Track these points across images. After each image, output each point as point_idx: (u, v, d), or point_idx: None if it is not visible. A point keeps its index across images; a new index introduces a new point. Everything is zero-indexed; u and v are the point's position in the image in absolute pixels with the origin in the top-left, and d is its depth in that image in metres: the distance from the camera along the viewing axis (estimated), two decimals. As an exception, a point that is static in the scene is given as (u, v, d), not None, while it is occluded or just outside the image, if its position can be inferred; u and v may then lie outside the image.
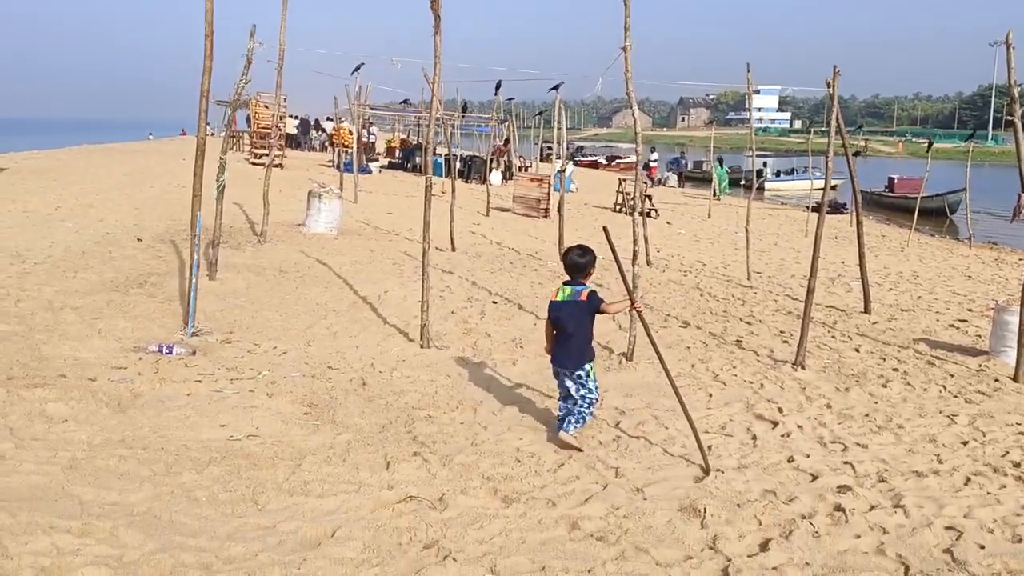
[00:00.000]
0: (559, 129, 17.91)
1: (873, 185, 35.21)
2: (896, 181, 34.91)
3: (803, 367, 7.96)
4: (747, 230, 14.19)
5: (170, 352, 7.02)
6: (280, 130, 27.30)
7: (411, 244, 14.60)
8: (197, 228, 7.84)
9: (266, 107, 30.06)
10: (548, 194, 21.54)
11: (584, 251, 5.76)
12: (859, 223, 11.28)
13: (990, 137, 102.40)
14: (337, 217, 15.16)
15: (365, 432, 5.73)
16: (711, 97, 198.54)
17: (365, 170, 28.08)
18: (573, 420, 5.70)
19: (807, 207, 26.94)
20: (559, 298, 5.69)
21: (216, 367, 6.87)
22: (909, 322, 10.74)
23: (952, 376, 8.09)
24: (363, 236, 15.34)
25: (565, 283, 5.74)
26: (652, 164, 39.81)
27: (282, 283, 10.53)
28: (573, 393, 5.70)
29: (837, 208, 31.65)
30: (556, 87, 18.59)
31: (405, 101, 37.40)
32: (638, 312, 5.92)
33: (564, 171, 14.51)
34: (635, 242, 7.94)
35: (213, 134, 44.12)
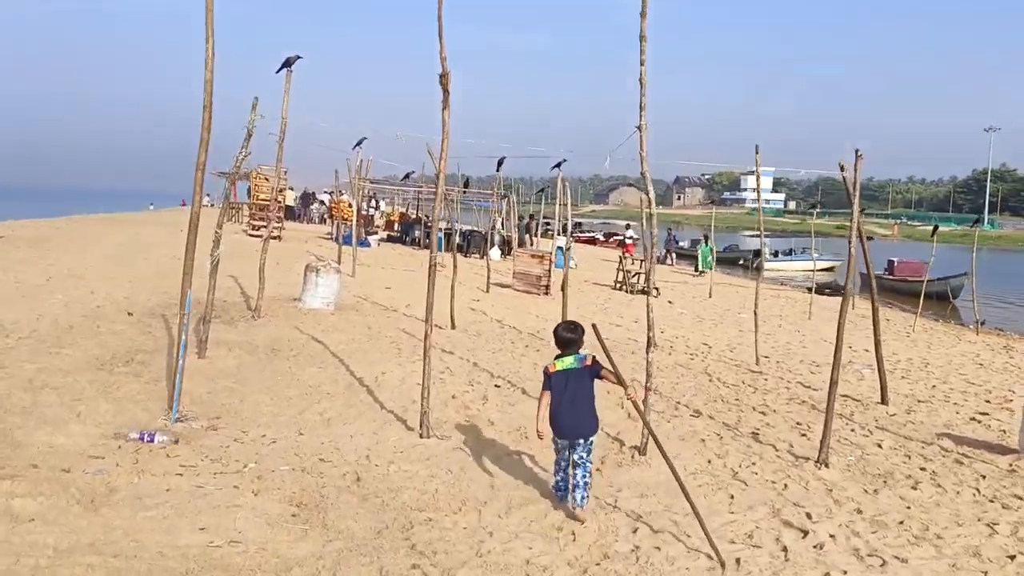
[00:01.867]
0: (563, 205, 17.71)
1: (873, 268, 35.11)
2: (896, 264, 34.85)
3: (826, 465, 7.48)
4: (755, 313, 13.82)
5: (151, 440, 6.53)
6: (280, 203, 27.19)
7: (410, 321, 14.20)
8: (187, 306, 7.43)
9: (266, 179, 29.99)
10: (549, 271, 21.25)
11: (574, 327, 6.14)
12: (875, 310, 10.96)
13: (986, 221, 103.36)
14: (334, 292, 14.78)
15: (358, 538, 5.21)
16: (706, 177, 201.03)
17: (364, 243, 27.87)
18: (584, 495, 5.82)
19: (808, 288, 26.72)
20: (562, 368, 5.88)
21: (199, 458, 6.37)
22: (928, 415, 10.31)
23: (984, 477, 7.62)
24: (360, 312, 14.94)
25: (558, 356, 5.99)
26: (628, 241, 39.64)
27: (274, 362, 10.08)
28: (578, 460, 5.84)
29: (838, 290, 31.48)
30: (559, 164, 18.50)
31: (407, 176, 37.47)
32: (632, 400, 5.97)
33: (568, 248, 14.21)
34: (650, 328, 7.53)
35: (212, 205, 44.17)
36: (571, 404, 5.80)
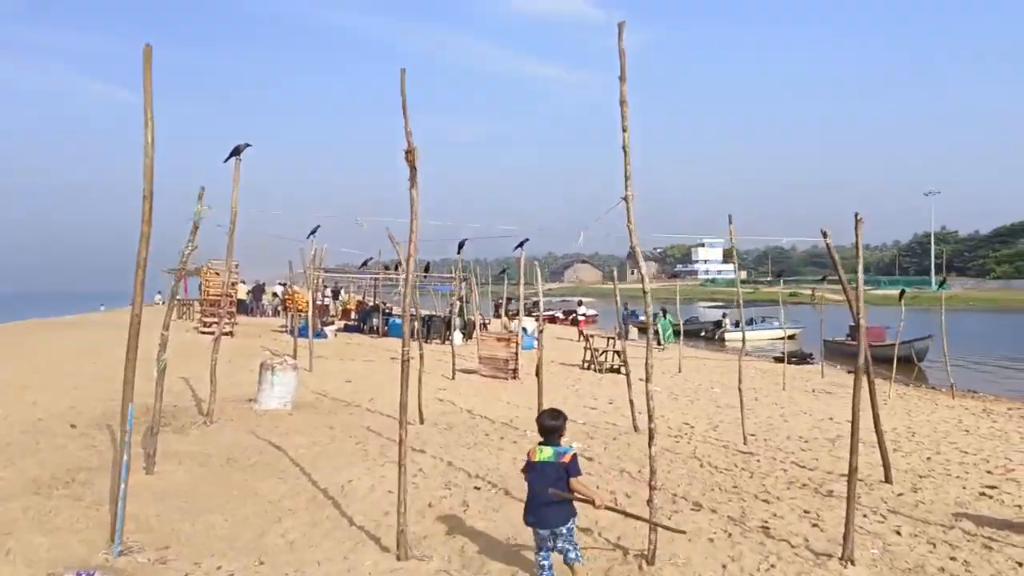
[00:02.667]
0: (527, 285, 17.15)
1: (835, 334, 34.87)
2: (860, 329, 34.75)
3: (852, 562, 6.75)
4: (740, 390, 13.18)
5: (87, 584, 5.59)
6: (231, 298, 26.27)
7: (374, 417, 13.32)
8: (128, 421, 6.56)
9: (217, 274, 29.03)
10: (516, 354, 20.54)
11: (556, 414, 6.01)
12: (871, 382, 10.36)
13: (939, 283, 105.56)
14: (291, 390, 13.88)
15: None
16: (659, 250, 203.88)
17: (320, 335, 26.96)
18: (576, 555, 5.76)
19: (777, 358, 26.37)
20: (538, 458, 5.78)
21: (144, 603, 5.44)
22: (936, 492, 9.70)
23: (1020, 565, 6.98)
24: (320, 410, 14.01)
25: (541, 443, 5.88)
26: (581, 317, 39.10)
27: (230, 475, 9.13)
28: (562, 549, 5.73)
29: (803, 358, 31.19)
30: (521, 244, 18.03)
31: (365, 263, 36.71)
32: (606, 508, 5.95)
33: (541, 331, 13.51)
34: (651, 419, 6.84)
35: (164, 303, 42.88)
36: (535, 496, 5.73)
